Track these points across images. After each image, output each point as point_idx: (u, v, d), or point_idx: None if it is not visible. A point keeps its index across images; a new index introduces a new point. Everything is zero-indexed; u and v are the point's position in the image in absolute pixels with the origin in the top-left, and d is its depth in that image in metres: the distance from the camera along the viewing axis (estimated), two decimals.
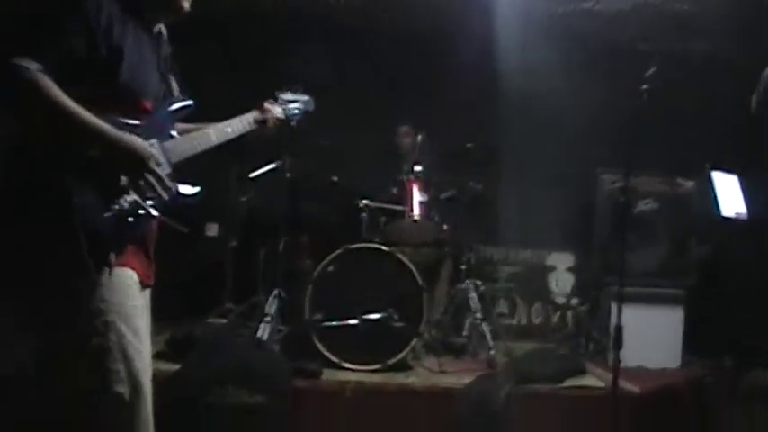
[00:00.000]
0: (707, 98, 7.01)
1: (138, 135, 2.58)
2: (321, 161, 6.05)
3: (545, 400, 4.77)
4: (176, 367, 4.47)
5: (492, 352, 5.43)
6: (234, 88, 6.10)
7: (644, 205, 6.07)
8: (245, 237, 6.49)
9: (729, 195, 4.36)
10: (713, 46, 7.18)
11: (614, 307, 4.29)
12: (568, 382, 4.97)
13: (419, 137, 5.95)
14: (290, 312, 5.53)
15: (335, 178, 5.89)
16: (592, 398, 4.76)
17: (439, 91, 7.04)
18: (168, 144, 2.76)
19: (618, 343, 3.94)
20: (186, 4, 2.80)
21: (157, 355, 4.93)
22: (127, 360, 2.57)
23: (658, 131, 5.48)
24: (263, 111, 3.20)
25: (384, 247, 5.24)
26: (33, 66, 2.36)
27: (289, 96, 3.39)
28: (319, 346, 4.96)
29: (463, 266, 6.10)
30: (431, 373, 5.10)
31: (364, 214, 5.61)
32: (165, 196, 2.66)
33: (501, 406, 4.51)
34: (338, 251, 5.15)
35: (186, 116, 2.92)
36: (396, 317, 5.00)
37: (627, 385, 4.75)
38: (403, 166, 6.33)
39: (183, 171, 2.84)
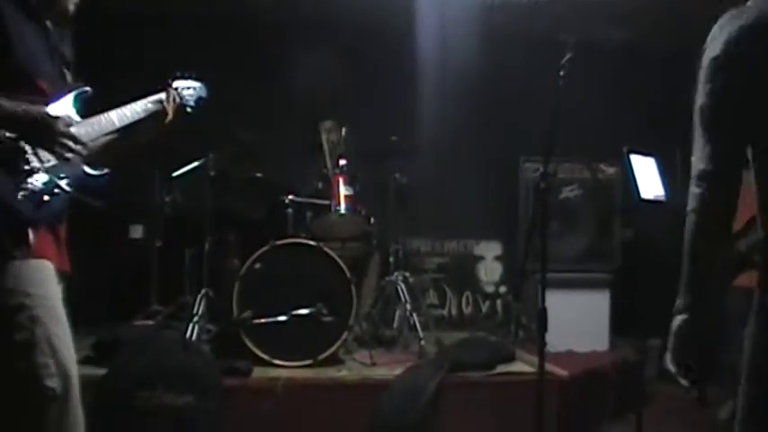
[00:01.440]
0: (625, 84, 7.14)
1: None
2: (244, 157, 6.00)
3: (476, 388, 4.82)
4: (103, 371, 4.39)
5: (422, 343, 5.46)
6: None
7: (568, 192, 6.17)
8: (170, 237, 6.39)
9: (648, 178, 4.42)
10: (630, 34, 7.31)
11: (540, 292, 4.33)
12: (499, 369, 5.03)
13: (343, 130, 5.93)
14: (218, 311, 5.48)
15: (260, 174, 5.84)
16: (522, 383, 4.80)
17: (361, 85, 7.03)
18: (72, 129, 2.74)
19: (542, 326, 3.98)
20: (71, 7, 2.84)
21: (83, 360, 4.85)
22: (55, 353, 2.59)
23: (579, 119, 5.56)
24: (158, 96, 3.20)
25: (311, 242, 5.23)
26: None
27: (182, 83, 3.37)
28: (249, 343, 4.93)
29: (391, 259, 6.13)
30: (362, 366, 5.11)
31: (290, 210, 5.57)
32: (83, 153, 2.69)
33: (432, 396, 4.54)
34: (265, 248, 5.11)
35: (86, 106, 2.92)
36: (325, 311, 4.98)
37: (555, 369, 4.82)
38: (327, 160, 6.30)
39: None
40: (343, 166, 5.68)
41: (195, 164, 5.80)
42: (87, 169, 2.80)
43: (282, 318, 4.94)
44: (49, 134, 2.59)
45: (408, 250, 7.13)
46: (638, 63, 7.27)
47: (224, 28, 7.00)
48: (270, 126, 6.67)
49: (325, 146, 6.51)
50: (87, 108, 2.93)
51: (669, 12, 6.52)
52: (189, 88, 3.38)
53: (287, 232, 5.45)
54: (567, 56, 3.92)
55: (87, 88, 2.90)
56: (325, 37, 7.02)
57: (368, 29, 6.93)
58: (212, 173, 5.74)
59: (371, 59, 6.90)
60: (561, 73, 3.92)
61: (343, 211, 5.50)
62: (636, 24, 7.04)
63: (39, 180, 2.57)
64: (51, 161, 2.65)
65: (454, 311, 7.40)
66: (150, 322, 5.93)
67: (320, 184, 5.68)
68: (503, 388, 4.88)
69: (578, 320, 5.74)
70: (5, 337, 2.52)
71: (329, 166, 5.94)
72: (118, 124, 2.97)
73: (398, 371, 4.84)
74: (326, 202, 5.53)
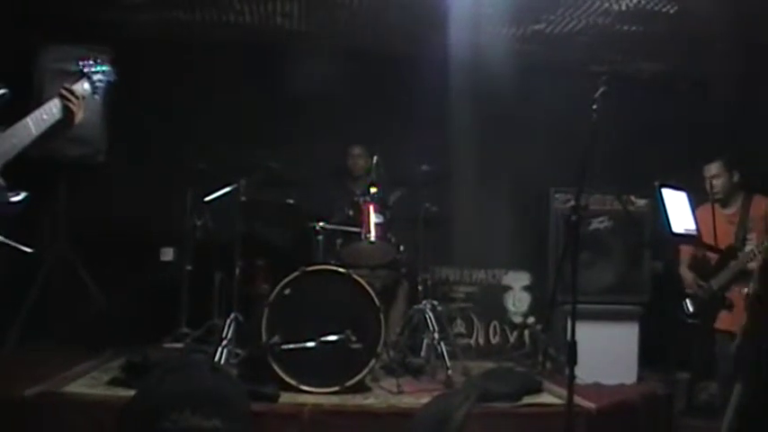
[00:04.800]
0: (656, 115, 7.13)
1: None
2: (276, 184, 6.05)
3: (503, 419, 4.77)
4: (131, 393, 4.42)
5: (449, 372, 5.44)
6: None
7: (598, 223, 6.15)
8: (200, 261, 6.45)
9: (679, 212, 4.41)
10: (662, 66, 7.31)
11: (569, 324, 4.32)
12: (526, 400, 5.00)
13: (374, 158, 5.96)
14: (246, 336, 5.52)
15: (291, 201, 5.87)
16: (549, 415, 4.77)
17: (393, 113, 7.07)
18: None
19: (573, 359, 3.96)
20: None
21: (112, 381, 4.91)
22: None
23: (610, 150, 5.56)
24: (65, 92, 3.07)
25: (341, 269, 5.24)
26: None
27: (92, 67, 3.26)
28: (277, 369, 4.94)
29: (420, 287, 6.13)
30: (389, 394, 5.09)
31: (320, 236, 5.59)
32: (11, 212, 2.62)
33: (459, 425, 4.51)
34: (294, 274, 5.13)
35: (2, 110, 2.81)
36: (353, 338, 4.98)
37: (583, 401, 4.79)
38: (357, 187, 6.34)
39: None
40: (373, 194, 5.69)
41: (227, 189, 5.86)
42: (11, 197, 2.72)
43: (310, 344, 4.95)
44: None
45: (437, 279, 7.15)
46: (669, 94, 7.25)
47: (255, 55, 7.08)
48: (301, 153, 6.73)
49: (354, 173, 6.57)
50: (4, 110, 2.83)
51: (700, 42, 6.51)
52: (98, 72, 3.28)
53: (317, 259, 5.48)
54: (601, 89, 3.91)
55: (5, 91, 2.82)
56: (357, 65, 7.07)
57: (401, 57, 6.97)
58: (243, 198, 5.79)
59: (404, 88, 6.93)
60: (594, 107, 3.92)
61: (373, 238, 5.52)
62: (667, 55, 7.05)
63: None
64: None
65: (481, 341, 7.37)
66: (179, 345, 5.98)
67: (351, 212, 5.70)
68: (530, 419, 4.84)
69: (606, 352, 5.70)
70: None
71: (359, 193, 5.98)
72: (35, 132, 2.86)
73: (425, 399, 4.79)
74: (357, 230, 5.55)
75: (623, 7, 6.01)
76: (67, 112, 2.97)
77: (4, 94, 2.77)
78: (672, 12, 6.01)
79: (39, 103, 3.07)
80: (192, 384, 4.39)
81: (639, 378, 5.91)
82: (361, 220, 5.56)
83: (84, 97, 3.08)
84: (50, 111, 2.94)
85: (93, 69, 3.24)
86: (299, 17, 6.60)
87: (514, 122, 7.09)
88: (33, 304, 5.88)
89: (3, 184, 2.52)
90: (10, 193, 2.64)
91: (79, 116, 3.03)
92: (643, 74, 7.48)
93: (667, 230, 4.29)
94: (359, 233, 5.54)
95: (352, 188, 6.46)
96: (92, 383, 4.96)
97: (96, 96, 3.27)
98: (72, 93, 3.01)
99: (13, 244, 2.63)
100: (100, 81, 3.26)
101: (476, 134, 7.05)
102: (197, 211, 6.23)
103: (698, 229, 4.64)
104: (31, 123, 2.85)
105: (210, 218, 6.22)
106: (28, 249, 2.66)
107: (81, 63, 3.24)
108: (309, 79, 6.78)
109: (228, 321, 5.49)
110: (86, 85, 3.15)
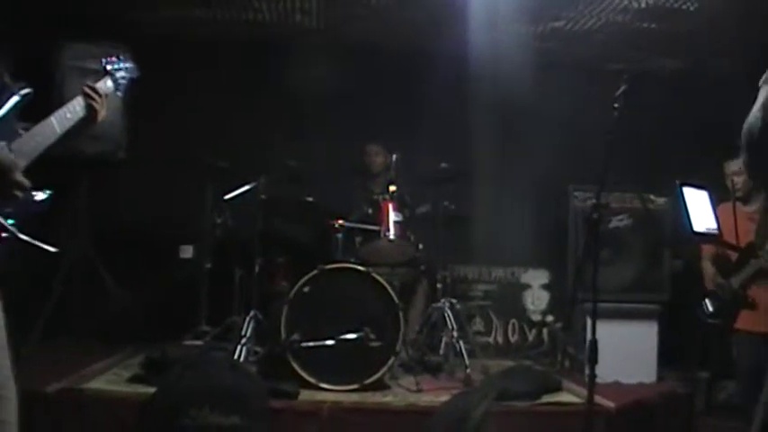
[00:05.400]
0: (676, 112, 7.09)
1: None
2: (295, 181, 6.06)
3: (522, 418, 4.76)
4: (151, 390, 4.45)
5: (468, 370, 5.44)
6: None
7: (618, 221, 6.13)
8: (220, 258, 6.47)
9: (700, 211, 4.38)
10: (681, 63, 7.28)
11: (589, 323, 4.30)
12: (545, 399, 4.99)
13: (393, 157, 5.96)
14: (266, 334, 5.54)
15: (310, 198, 5.88)
16: (568, 414, 4.76)
17: (412, 110, 7.07)
18: (15, 145, 2.65)
19: (593, 358, 3.95)
20: None
21: (132, 378, 4.93)
22: None
23: (629, 147, 5.54)
24: (88, 90, 3.04)
25: (360, 267, 5.25)
26: None
27: (115, 64, 3.26)
28: (296, 366, 4.96)
29: (439, 285, 6.14)
30: (408, 392, 5.10)
31: (340, 234, 5.61)
32: (37, 210, 2.60)
33: (478, 424, 4.51)
34: (314, 272, 5.15)
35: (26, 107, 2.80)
36: (372, 336, 4.99)
37: (602, 400, 4.77)
38: (376, 185, 6.34)
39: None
40: (392, 192, 5.70)
41: (246, 187, 5.89)
42: (36, 195, 2.70)
43: (329, 341, 4.96)
44: (1, 181, 2.50)
45: (456, 277, 7.16)
46: (689, 91, 7.21)
47: (273, 53, 7.10)
48: (319, 150, 6.74)
49: (372, 171, 6.58)
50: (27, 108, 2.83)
51: (721, 38, 6.48)
52: (121, 69, 3.28)
53: (336, 257, 5.50)
54: (622, 88, 3.90)
55: (29, 90, 2.80)
56: (375, 62, 7.08)
57: (419, 54, 6.97)
58: (263, 196, 5.82)
59: (422, 85, 6.92)
60: (615, 105, 3.90)
61: (392, 236, 5.53)
62: (687, 53, 7.02)
63: None
64: None
65: (500, 339, 7.37)
66: (198, 342, 6.00)
67: (370, 210, 5.71)
68: (549, 418, 4.82)
69: (626, 351, 5.68)
70: None
71: (378, 191, 5.99)
72: (59, 131, 2.84)
73: (444, 398, 4.82)
74: (376, 228, 5.56)
75: (642, 4, 6.00)
76: (91, 110, 2.96)
77: (27, 94, 2.76)
78: (692, 9, 5.99)
79: (59, 100, 3.06)
80: (212, 381, 4.42)
81: (659, 377, 5.89)
82: (380, 219, 5.57)
83: (107, 95, 3.08)
84: (74, 109, 2.92)
85: (115, 67, 3.24)
86: (318, 14, 6.62)
87: (533, 120, 7.07)
88: (55, 301, 5.92)
89: (28, 183, 2.53)
90: (34, 192, 2.64)
91: (102, 114, 3.02)
92: (663, 71, 7.44)
93: (688, 229, 4.26)
94: (378, 231, 5.55)
95: (370, 186, 6.46)
96: (112, 380, 4.99)
97: (119, 94, 3.27)
98: (95, 91, 3.00)
99: (38, 243, 2.64)
100: (123, 78, 3.26)
101: (494, 131, 7.04)
102: (217, 208, 6.25)
103: (719, 228, 4.61)
104: (54, 122, 2.82)
105: (230, 215, 6.23)
106: (52, 249, 2.66)
107: (104, 61, 3.24)
108: (328, 76, 6.79)
109: (248, 319, 5.52)
110: (109, 83, 3.15)
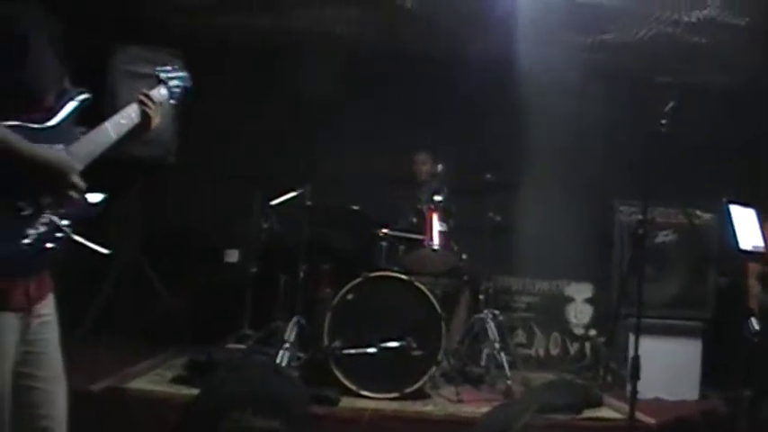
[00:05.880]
0: (725, 130, 7.03)
1: (44, 141, 2.51)
2: (341, 189, 6.11)
3: (562, 431, 4.76)
4: (193, 391, 4.51)
5: (509, 382, 5.43)
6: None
7: (663, 237, 6.08)
8: (265, 263, 6.53)
9: (747, 229, 4.36)
10: (730, 78, 7.21)
11: (632, 338, 4.29)
12: (586, 414, 4.96)
13: (439, 166, 5.98)
14: (308, 339, 5.57)
15: (356, 207, 5.92)
16: (609, 429, 4.76)
17: (459, 120, 7.09)
18: (73, 148, 2.64)
19: (635, 374, 3.94)
20: None
21: (176, 379, 5.00)
22: None
23: (676, 163, 5.51)
24: (143, 97, 3.04)
25: (403, 276, 5.27)
26: None
27: (169, 73, 3.28)
28: (337, 373, 4.99)
29: (481, 296, 6.14)
30: (448, 403, 5.10)
31: (384, 243, 5.64)
32: (91, 213, 2.62)
33: None
34: (358, 279, 5.18)
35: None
36: (414, 345, 5.02)
37: (644, 417, 4.75)
38: (421, 194, 6.36)
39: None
40: (437, 202, 5.72)
41: (293, 193, 5.94)
42: (90, 198, 2.71)
43: (371, 349, 4.99)
44: (60, 182, 2.51)
45: (499, 288, 7.15)
46: (737, 106, 7.14)
47: (319, 60, 7.13)
48: (364, 158, 6.78)
49: (418, 179, 6.60)
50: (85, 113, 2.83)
51: None
52: (174, 78, 3.29)
53: (380, 265, 5.53)
54: (671, 104, 3.89)
55: (88, 96, 2.81)
56: (424, 71, 7.09)
57: (467, 63, 6.97)
58: (309, 203, 5.86)
59: (469, 95, 6.92)
60: (663, 121, 3.89)
61: (435, 246, 5.55)
62: (736, 68, 6.95)
63: (42, 223, 2.48)
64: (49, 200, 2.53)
65: (542, 352, 7.35)
66: (241, 346, 6.05)
67: (414, 219, 5.73)
68: None
69: (668, 368, 5.64)
70: None
71: (423, 200, 6.01)
72: (114, 136, 2.84)
73: (484, 409, 4.83)
74: (420, 237, 5.58)
75: (693, 18, 5.96)
76: (145, 117, 3.01)
77: (86, 99, 2.81)
78: (742, 24, 5.94)
79: (111, 103, 3.10)
80: (255, 385, 4.48)
81: (702, 395, 5.84)
82: (425, 228, 5.59)
83: (161, 103, 3.13)
84: (129, 116, 2.94)
85: (170, 75, 3.28)
86: (360, 23, 6.66)
87: (580, 132, 7.05)
88: (103, 301, 6.01)
89: (84, 185, 2.58)
90: (88, 195, 2.69)
91: (156, 121, 3.06)
92: (711, 86, 7.38)
93: (735, 247, 4.24)
94: (422, 240, 5.58)
95: (416, 195, 6.48)
96: (156, 380, 5.06)
97: (172, 102, 3.32)
98: (150, 98, 3.05)
99: (91, 245, 2.69)
100: (176, 87, 3.27)
101: (541, 143, 7.02)
102: (263, 214, 6.30)
103: (766, 246, 4.58)
104: (110, 128, 2.83)
105: (276, 221, 6.29)
106: (105, 251, 2.71)
107: (158, 69, 3.29)
108: (375, 84, 6.82)
109: (291, 324, 5.55)
110: (163, 91, 3.19)
